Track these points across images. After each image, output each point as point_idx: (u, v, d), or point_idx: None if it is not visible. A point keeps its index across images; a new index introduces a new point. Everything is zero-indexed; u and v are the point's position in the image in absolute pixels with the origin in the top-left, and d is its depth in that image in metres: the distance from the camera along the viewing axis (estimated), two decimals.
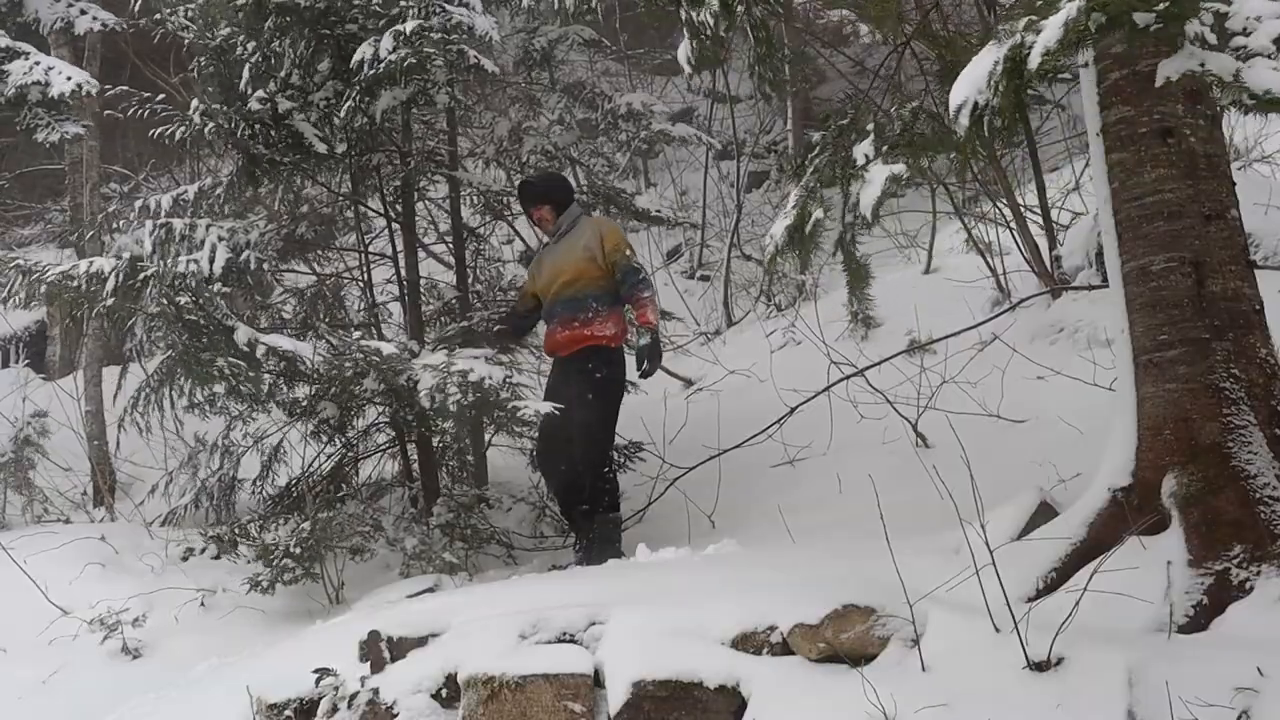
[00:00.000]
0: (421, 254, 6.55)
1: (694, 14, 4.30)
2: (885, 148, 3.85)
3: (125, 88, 6.00)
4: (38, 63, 7.02)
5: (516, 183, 6.19)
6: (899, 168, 3.71)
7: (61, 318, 5.88)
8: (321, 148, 5.54)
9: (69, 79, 6.96)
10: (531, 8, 6.50)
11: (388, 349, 5.07)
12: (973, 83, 2.80)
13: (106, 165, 9.59)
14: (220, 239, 5.57)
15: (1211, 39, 2.80)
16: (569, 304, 5.38)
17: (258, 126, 5.54)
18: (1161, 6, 2.66)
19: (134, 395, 5.65)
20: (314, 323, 6.00)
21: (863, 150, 3.88)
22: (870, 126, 3.98)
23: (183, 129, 5.59)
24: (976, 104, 2.78)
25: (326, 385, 5.28)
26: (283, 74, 5.54)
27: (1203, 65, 2.84)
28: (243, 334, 5.00)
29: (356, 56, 5.20)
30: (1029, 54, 2.70)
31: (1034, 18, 2.77)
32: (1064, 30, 2.65)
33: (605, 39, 8.02)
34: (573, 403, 5.17)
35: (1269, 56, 2.81)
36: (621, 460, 6.10)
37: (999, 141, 2.96)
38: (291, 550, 5.14)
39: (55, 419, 7.58)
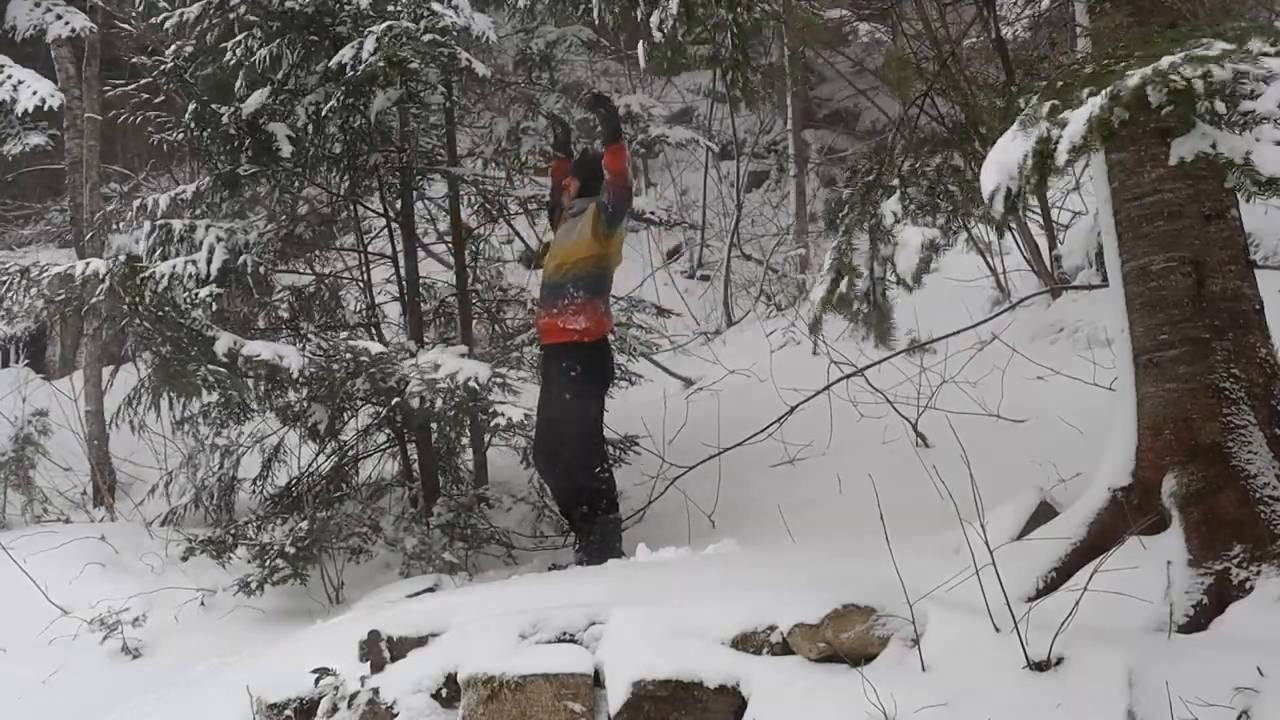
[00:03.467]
0: (421, 254, 6.54)
1: (650, 17, 4.28)
2: (913, 206, 3.88)
3: (123, 89, 6.00)
4: (9, 77, 7.09)
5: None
6: (932, 233, 3.78)
7: (52, 316, 5.88)
8: (288, 149, 5.49)
9: (34, 93, 7.05)
10: (527, 8, 6.50)
11: (375, 348, 5.07)
12: (1004, 170, 2.88)
13: (106, 165, 9.58)
14: (219, 239, 5.57)
15: (1220, 108, 2.81)
16: (553, 289, 5.28)
17: (231, 140, 5.53)
18: (1182, 85, 2.69)
19: (126, 397, 5.67)
20: (303, 325, 5.98)
21: (890, 208, 3.92)
22: (895, 183, 4.01)
23: (181, 134, 5.61)
24: (1009, 189, 2.85)
25: (315, 388, 5.27)
26: (277, 77, 5.53)
27: (1214, 146, 2.88)
28: (223, 343, 5.00)
29: (337, 58, 5.20)
30: (1055, 149, 2.78)
31: (1057, 104, 2.84)
32: (1088, 126, 2.73)
33: (604, 39, 8.02)
34: (554, 406, 5.18)
35: (1276, 123, 2.83)
36: (616, 455, 6.00)
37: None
38: (286, 551, 5.14)
39: (55, 419, 7.58)
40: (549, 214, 5.85)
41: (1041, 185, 2.85)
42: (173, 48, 5.56)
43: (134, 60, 5.83)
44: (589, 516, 5.18)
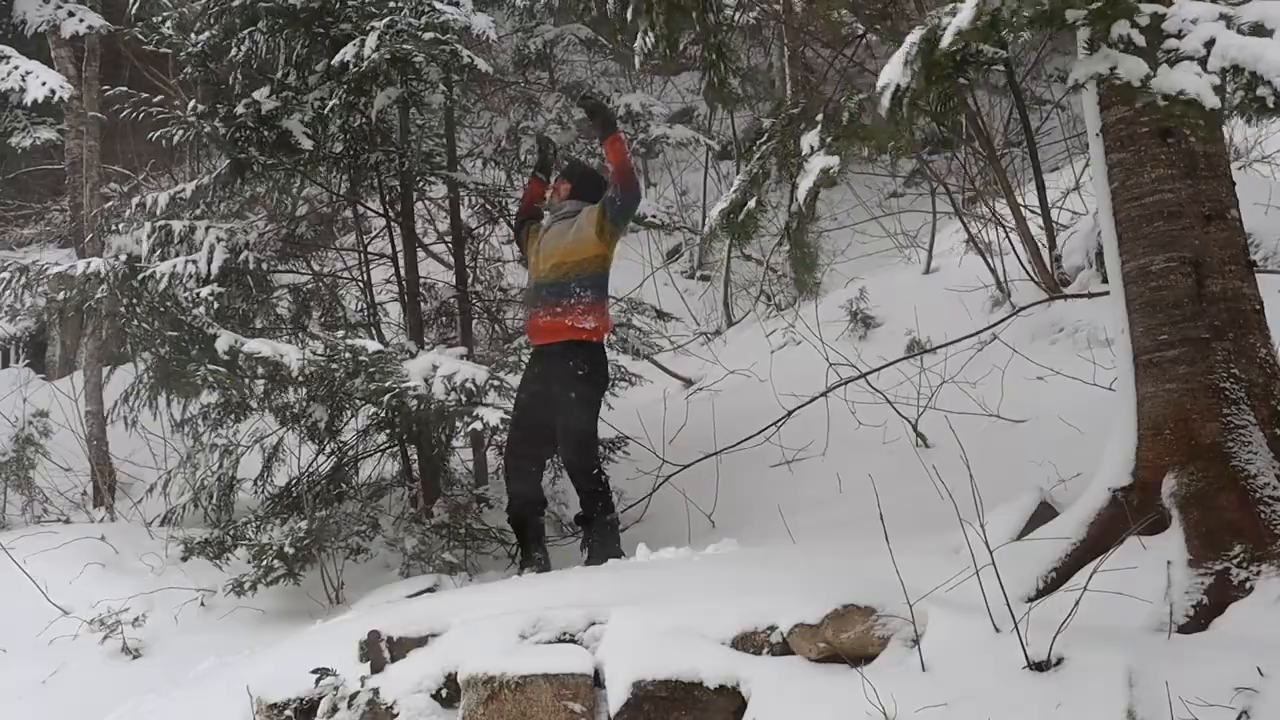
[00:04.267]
0: (421, 254, 6.54)
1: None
2: (830, 139, 3.85)
3: (124, 89, 6.00)
4: (16, 67, 7.02)
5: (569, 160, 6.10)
6: (833, 160, 3.73)
7: (52, 315, 5.88)
8: (308, 144, 5.51)
9: (44, 84, 6.97)
10: (527, 7, 6.50)
11: (373, 346, 5.06)
12: (894, 68, 2.84)
13: (106, 165, 9.57)
14: (219, 239, 5.58)
15: (1139, 40, 2.79)
16: (553, 288, 5.16)
17: (246, 130, 5.53)
18: (1094, 6, 2.67)
19: (123, 393, 5.67)
20: (305, 323, 5.99)
21: (809, 140, 3.88)
22: (819, 117, 3.97)
23: (182, 131, 5.60)
24: (899, 86, 2.80)
25: (315, 388, 5.27)
26: (279, 75, 5.55)
27: (1113, 69, 2.83)
28: (224, 341, 4.99)
29: (340, 55, 5.20)
30: (942, 34, 2.73)
31: (956, 5, 2.81)
32: (975, 11, 2.69)
33: (603, 39, 8.02)
34: (560, 405, 5.06)
35: (1198, 61, 2.80)
36: (605, 454, 6.05)
37: (917, 124, 3.01)
38: (285, 550, 5.14)
39: (55, 419, 7.58)
40: (516, 230, 5.75)
41: (927, 84, 2.80)
42: (205, 34, 5.56)
43: (154, 47, 5.81)
44: (587, 520, 5.17)
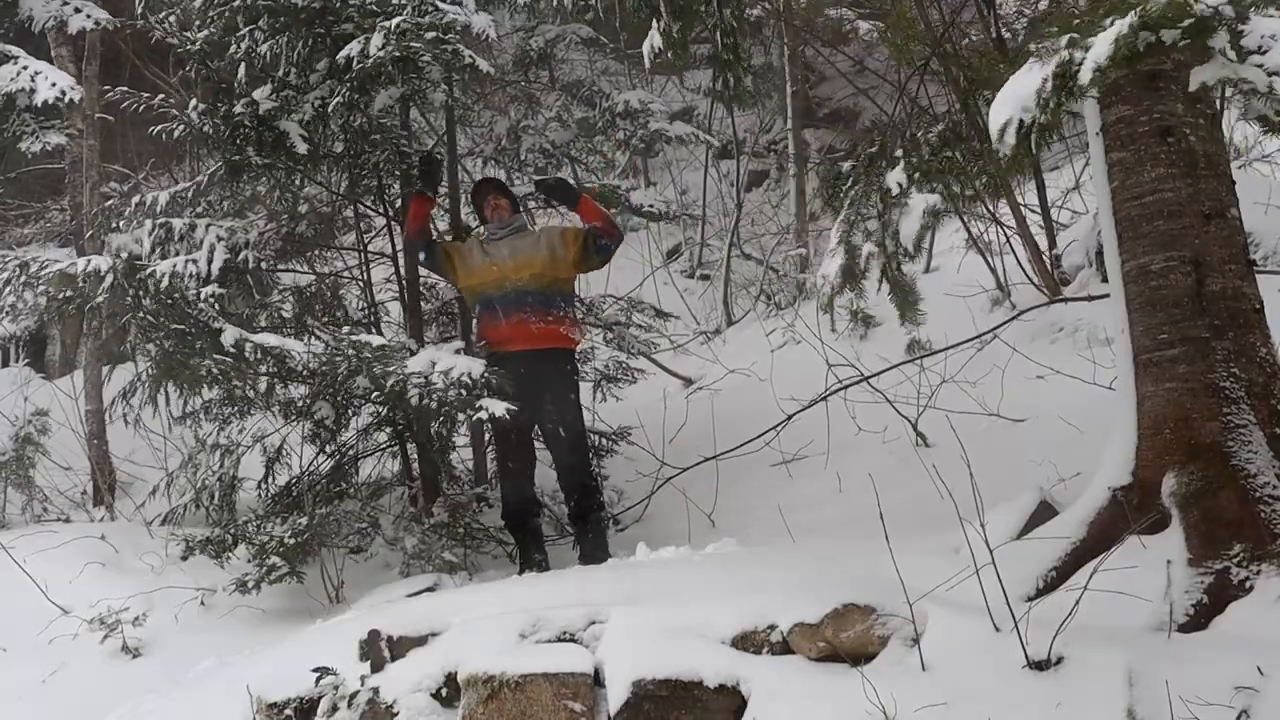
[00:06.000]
0: None
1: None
2: (917, 175, 3.83)
3: (124, 88, 5.99)
4: (25, 67, 6.98)
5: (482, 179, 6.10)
6: (934, 198, 3.72)
7: (52, 314, 5.86)
8: (303, 148, 5.49)
9: (54, 85, 6.91)
10: (530, 5, 6.49)
11: (377, 340, 5.06)
12: (1017, 101, 2.78)
13: (106, 165, 9.58)
14: (219, 239, 5.57)
15: (1231, 55, 2.79)
16: (539, 296, 5.29)
17: (243, 130, 5.52)
18: (1187, 23, 2.65)
19: (121, 390, 5.65)
20: (308, 321, 5.99)
21: (895, 179, 3.87)
22: (899, 154, 3.96)
23: (183, 128, 5.59)
24: (1022, 122, 2.76)
25: (320, 383, 5.27)
26: (280, 73, 5.54)
27: (1237, 74, 2.83)
28: (230, 335, 4.98)
29: (344, 52, 5.19)
30: (1079, 70, 2.69)
31: (1077, 35, 2.77)
32: (1115, 46, 2.66)
33: (604, 37, 8.02)
34: (559, 407, 5.26)
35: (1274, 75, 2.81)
36: (609, 447, 6.44)
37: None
38: (286, 542, 5.13)
39: (55, 418, 7.58)
40: (426, 250, 5.60)
41: (1058, 112, 2.76)
42: (204, 32, 5.55)
43: (163, 38, 5.79)
44: (584, 518, 5.30)
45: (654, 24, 4.24)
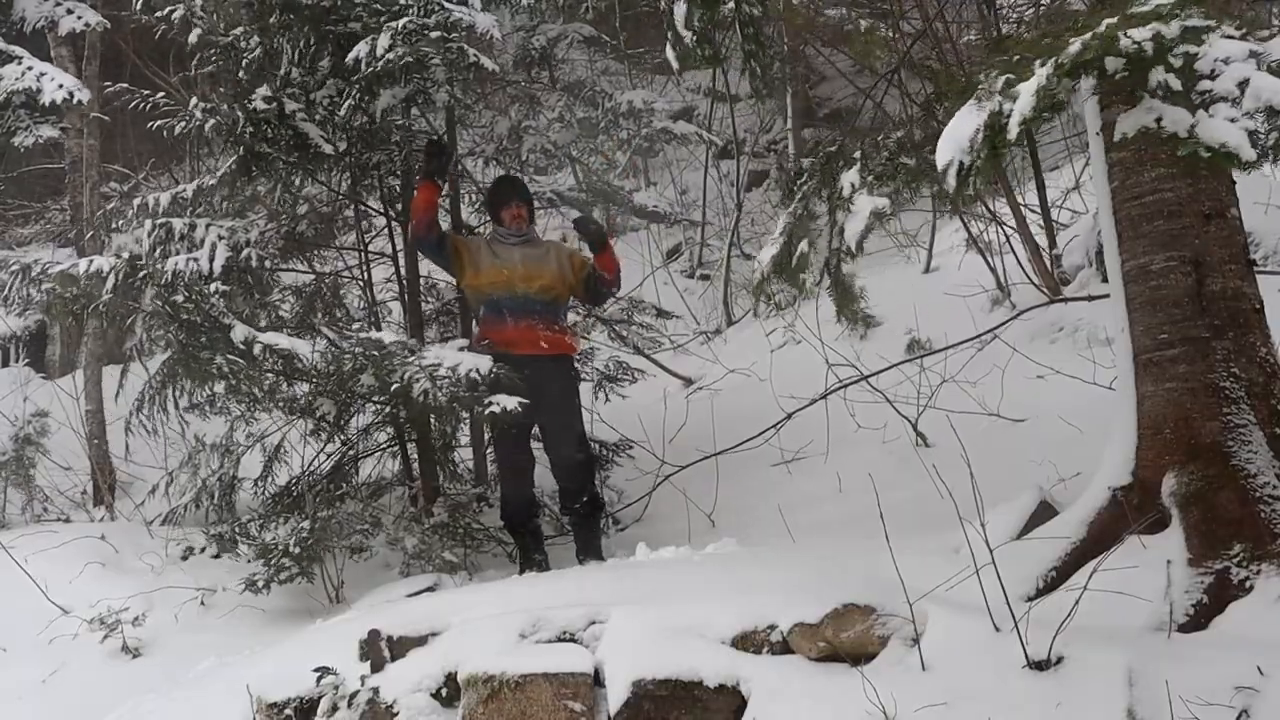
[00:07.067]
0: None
1: (674, 13, 4.26)
2: (870, 177, 3.88)
3: (125, 86, 6.00)
4: (30, 68, 6.98)
5: (504, 175, 6.13)
6: (883, 201, 3.77)
7: (59, 316, 5.86)
8: (328, 149, 5.52)
9: (60, 86, 6.91)
10: (532, 5, 6.48)
11: (389, 337, 5.07)
12: (956, 144, 2.88)
13: (106, 165, 9.57)
14: (220, 238, 5.57)
15: (1176, 85, 2.82)
16: (547, 306, 5.42)
17: (262, 125, 5.51)
18: (1132, 48, 2.70)
19: (138, 398, 5.66)
20: (312, 320, 5.98)
21: (849, 179, 3.91)
22: (857, 155, 4.00)
23: (183, 125, 5.59)
24: (962, 164, 2.85)
25: (325, 382, 5.26)
26: (282, 72, 5.54)
27: (1159, 121, 2.88)
28: (239, 332, 4.98)
29: (352, 54, 5.18)
30: (1006, 123, 2.79)
31: (1011, 77, 2.84)
32: (1036, 99, 2.75)
33: (605, 37, 8.03)
34: (564, 409, 5.36)
35: (1232, 102, 2.83)
36: (609, 457, 6.49)
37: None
38: (291, 550, 5.14)
39: (55, 418, 7.58)
40: (438, 240, 5.51)
41: (992, 161, 2.86)
42: (239, 29, 5.57)
43: (169, 26, 5.80)
44: (584, 516, 5.36)
45: (677, 19, 4.23)
